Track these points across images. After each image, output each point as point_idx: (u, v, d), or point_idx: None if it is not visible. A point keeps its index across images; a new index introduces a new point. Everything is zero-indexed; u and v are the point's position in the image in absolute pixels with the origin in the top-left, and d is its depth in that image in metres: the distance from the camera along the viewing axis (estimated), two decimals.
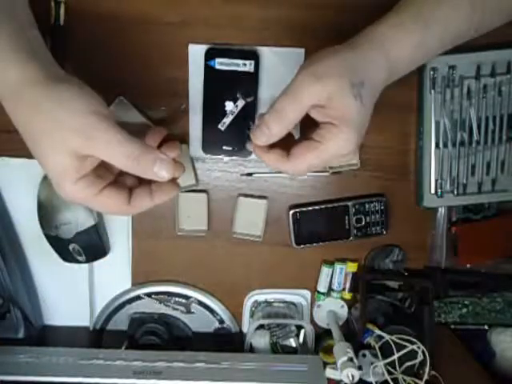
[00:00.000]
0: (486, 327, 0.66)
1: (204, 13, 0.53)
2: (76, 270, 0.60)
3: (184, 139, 0.56)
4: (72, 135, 0.36)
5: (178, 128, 0.56)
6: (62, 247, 0.57)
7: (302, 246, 0.60)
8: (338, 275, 0.62)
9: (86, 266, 0.60)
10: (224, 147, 0.55)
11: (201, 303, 0.63)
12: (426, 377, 0.57)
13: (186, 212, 0.58)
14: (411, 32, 0.41)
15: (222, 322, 0.64)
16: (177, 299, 0.63)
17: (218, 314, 0.64)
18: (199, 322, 0.64)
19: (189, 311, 0.64)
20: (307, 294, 0.64)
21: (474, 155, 0.57)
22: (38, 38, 0.41)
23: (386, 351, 0.57)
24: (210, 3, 0.53)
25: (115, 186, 0.41)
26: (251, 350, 0.63)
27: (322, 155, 0.40)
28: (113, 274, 0.62)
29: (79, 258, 0.58)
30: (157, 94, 0.55)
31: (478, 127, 0.56)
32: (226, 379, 0.54)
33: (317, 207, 0.59)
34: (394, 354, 0.56)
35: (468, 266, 0.62)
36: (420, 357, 0.57)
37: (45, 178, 0.56)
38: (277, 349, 0.63)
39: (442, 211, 0.60)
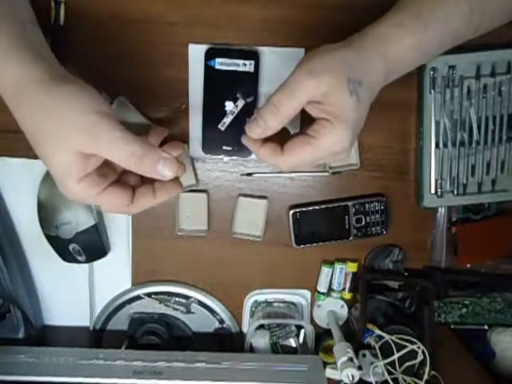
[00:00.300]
0: (485, 327, 0.65)
1: (204, 13, 0.53)
2: (76, 270, 0.60)
3: (184, 139, 0.56)
4: (76, 134, 0.37)
5: (178, 128, 0.56)
6: (61, 247, 0.57)
7: (302, 245, 0.60)
8: (337, 275, 0.62)
9: (85, 266, 0.60)
10: (224, 147, 0.55)
11: (201, 303, 0.63)
12: (425, 377, 0.57)
13: (185, 212, 0.58)
14: (410, 32, 0.41)
15: (222, 322, 0.64)
16: (177, 299, 0.63)
17: (218, 314, 0.64)
18: (199, 321, 0.64)
19: (189, 311, 0.64)
20: (307, 293, 0.64)
21: (474, 155, 0.57)
22: (39, 34, 0.41)
23: (385, 351, 0.57)
24: (210, 3, 0.53)
25: (118, 184, 0.42)
26: (251, 349, 0.63)
27: (315, 151, 0.40)
28: (113, 274, 0.62)
29: (79, 258, 0.58)
30: (157, 94, 0.55)
31: (478, 127, 0.56)
32: (226, 379, 0.54)
33: (317, 207, 0.59)
34: (394, 354, 0.56)
35: (468, 265, 0.62)
36: (420, 357, 0.57)
37: (45, 178, 0.56)
38: (277, 349, 0.63)
39: (441, 211, 0.60)
